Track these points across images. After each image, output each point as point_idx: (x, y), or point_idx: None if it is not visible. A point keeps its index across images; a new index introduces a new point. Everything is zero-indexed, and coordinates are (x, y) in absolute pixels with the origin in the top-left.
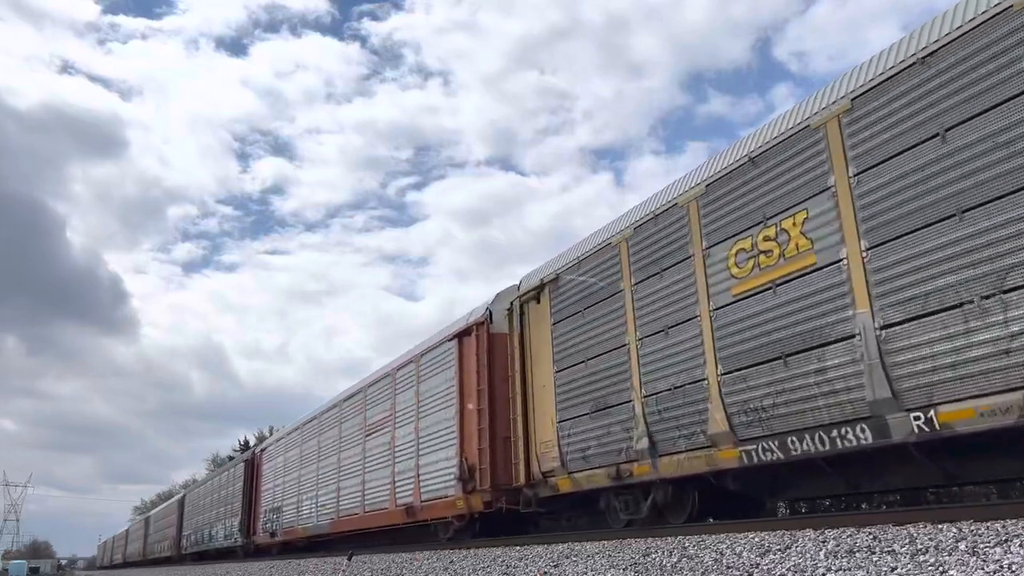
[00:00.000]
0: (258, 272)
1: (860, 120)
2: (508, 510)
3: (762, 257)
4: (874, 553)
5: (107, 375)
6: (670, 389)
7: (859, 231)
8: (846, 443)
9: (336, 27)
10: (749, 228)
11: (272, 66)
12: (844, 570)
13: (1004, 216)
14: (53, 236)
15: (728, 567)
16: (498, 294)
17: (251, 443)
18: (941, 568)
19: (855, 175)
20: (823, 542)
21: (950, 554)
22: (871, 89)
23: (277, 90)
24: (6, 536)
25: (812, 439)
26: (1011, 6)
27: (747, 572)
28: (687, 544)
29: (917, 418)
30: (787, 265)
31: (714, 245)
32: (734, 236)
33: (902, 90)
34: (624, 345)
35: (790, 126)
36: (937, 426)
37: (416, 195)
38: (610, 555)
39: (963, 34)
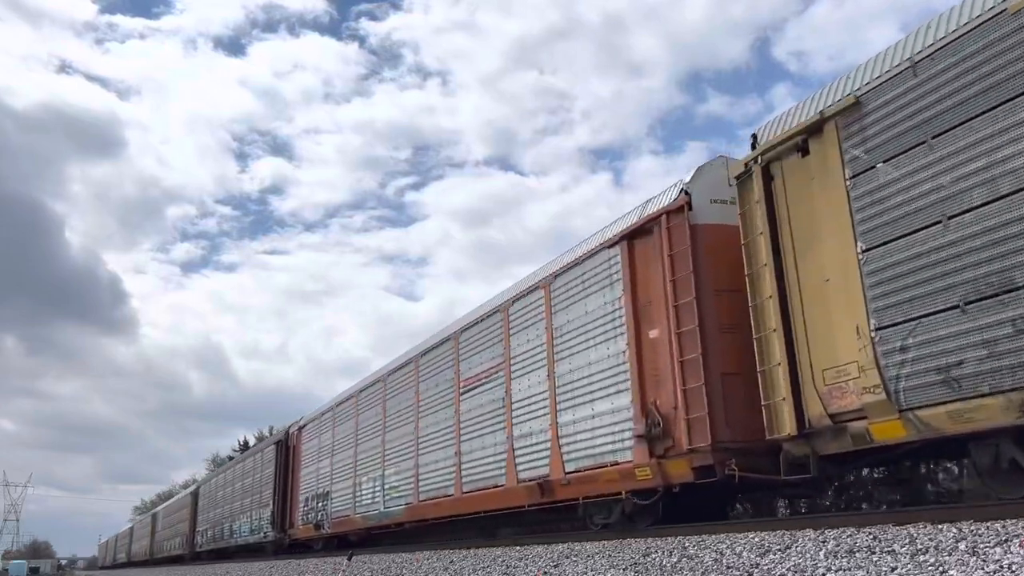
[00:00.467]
0: (257, 272)
1: None
2: (741, 479)
3: None
4: (874, 553)
5: (107, 375)
6: None
7: None
8: None
9: (334, 27)
10: None
11: (270, 66)
12: (844, 570)
13: None
14: (52, 236)
15: (728, 567)
16: (699, 168)
17: (251, 443)
18: (941, 568)
19: None
20: (823, 542)
21: (950, 554)
22: None
23: (275, 90)
24: (6, 536)
25: None
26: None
27: (747, 572)
28: (687, 544)
29: None
30: None
31: None
32: None
33: None
34: None
35: None
36: None
37: (415, 195)
38: (610, 555)
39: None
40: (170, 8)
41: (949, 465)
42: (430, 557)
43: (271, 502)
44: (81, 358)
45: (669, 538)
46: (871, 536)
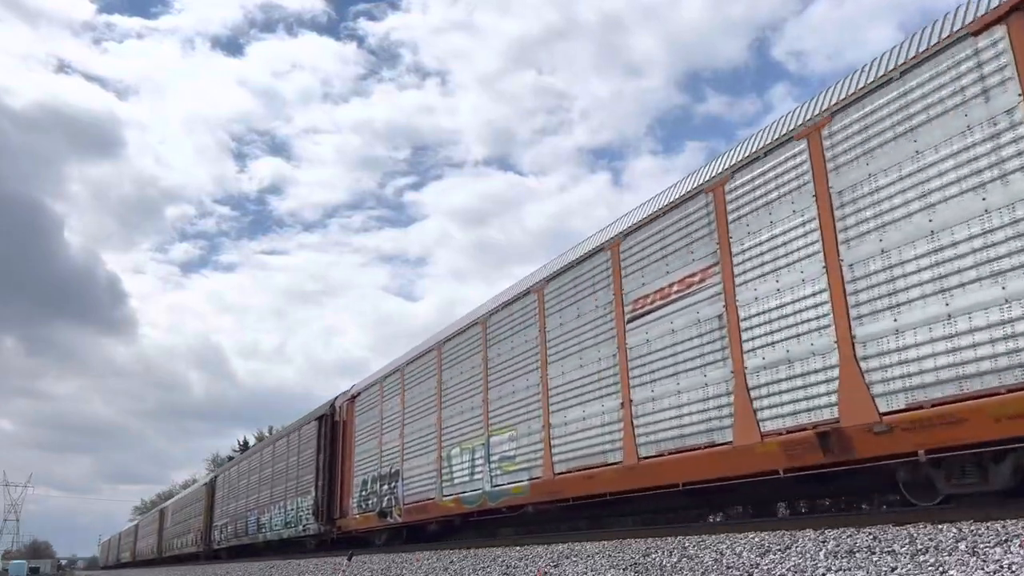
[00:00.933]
0: (256, 272)
1: None
2: None
3: None
4: (874, 553)
5: (106, 375)
6: None
7: None
8: None
9: (333, 27)
10: None
11: (269, 66)
12: (844, 570)
13: None
14: (51, 236)
15: (728, 567)
16: None
17: (250, 443)
18: (941, 568)
19: None
20: (823, 542)
21: (950, 554)
22: None
23: (274, 90)
24: (6, 536)
25: None
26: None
27: (747, 572)
28: (687, 544)
29: None
30: None
31: None
32: None
33: None
34: None
35: None
36: None
37: (414, 195)
38: (610, 555)
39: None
40: (168, 8)
41: None
42: (430, 557)
43: (313, 489)
44: (80, 358)
45: (669, 538)
46: (871, 536)
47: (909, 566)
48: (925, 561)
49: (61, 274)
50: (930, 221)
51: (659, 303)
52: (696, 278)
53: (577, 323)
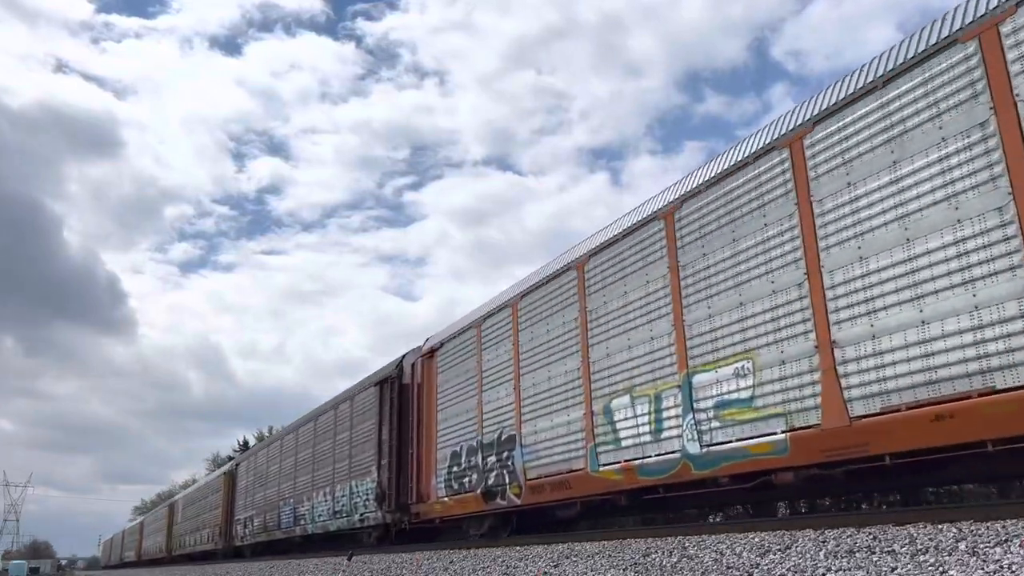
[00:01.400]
0: (255, 272)
1: None
2: None
3: None
4: (874, 553)
5: (106, 375)
6: None
7: None
8: None
9: (331, 27)
10: None
11: (267, 66)
12: (844, 570)
13: None
14: (51, 236)
15: (728, 567)
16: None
17: (251, 443)
18: (941, 568)
19: None
20: (823, 542)
21: (950, 554)
22: None
23: (272, 90)
24: (6, 536)
25: None
26: None
27: (747, 572)
28: (687, 544)
29: None
30: None
31: None
32: None
33: None
34: None
35: None
36: None
37: (413, 195)
38: (610, 555)
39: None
40: (166, 8)
41: None
42: (430, 557)
43: (375, 469)
44: (80, 358)
45: (669, 538)
46: (871, 536)
47: (909, 566)
48: (925, 561)
49: (60, 274)
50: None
51: None
52: None
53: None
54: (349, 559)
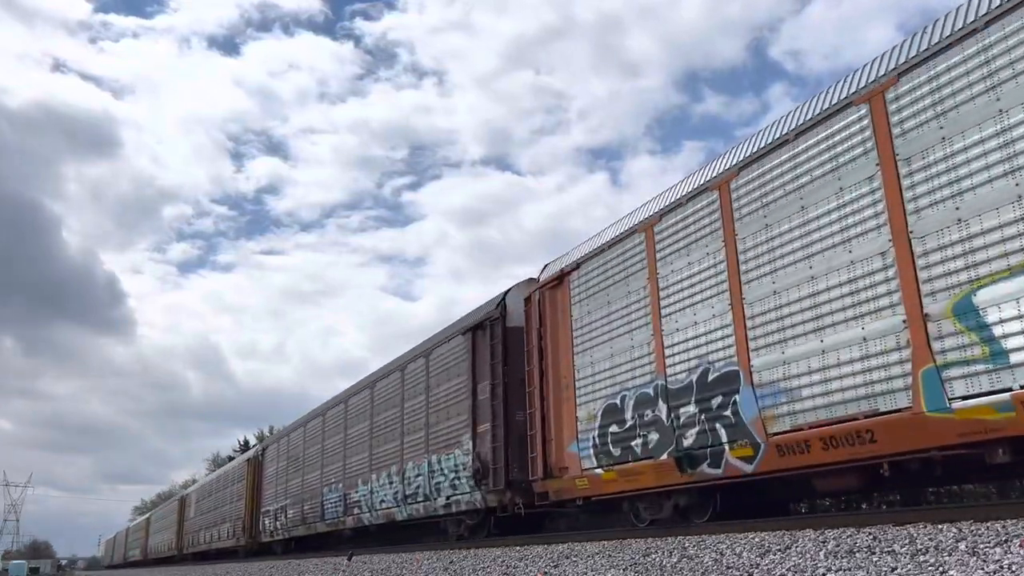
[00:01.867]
0: (253, 272)
1: None
2: None
3: None
4: (874, 553)
5: (105, 375)
6: None
7: None
8: None
9: (329, 26)
10: None
11: (265, 65)
12: (844, 570)
13: None
14: (49, 236)
15: (728, 567)
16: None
17: (251, 443)
18: (941, 568)
19: None
20: (823, 542)
21: (950, 554)
22: None
23: (270, 89)
24: (6, 536)
25: None
26: None
27: (747, 572)
28: (687, 544)
29: None
30: None
31: None
32: None
33: None
34: None
35: None
36: None
37: (412, 195)
38: (610, 555)
39: None
40: (163, 7)
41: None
42: (430, 557)
43: (469, 439)
44: (79, 358)
45: (669, 538)
46: (871, 536)
47: (909, 566)
48: (925, 561)
49: (59, 274)
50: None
51: None
52: None
53: None
54: (349, 559)
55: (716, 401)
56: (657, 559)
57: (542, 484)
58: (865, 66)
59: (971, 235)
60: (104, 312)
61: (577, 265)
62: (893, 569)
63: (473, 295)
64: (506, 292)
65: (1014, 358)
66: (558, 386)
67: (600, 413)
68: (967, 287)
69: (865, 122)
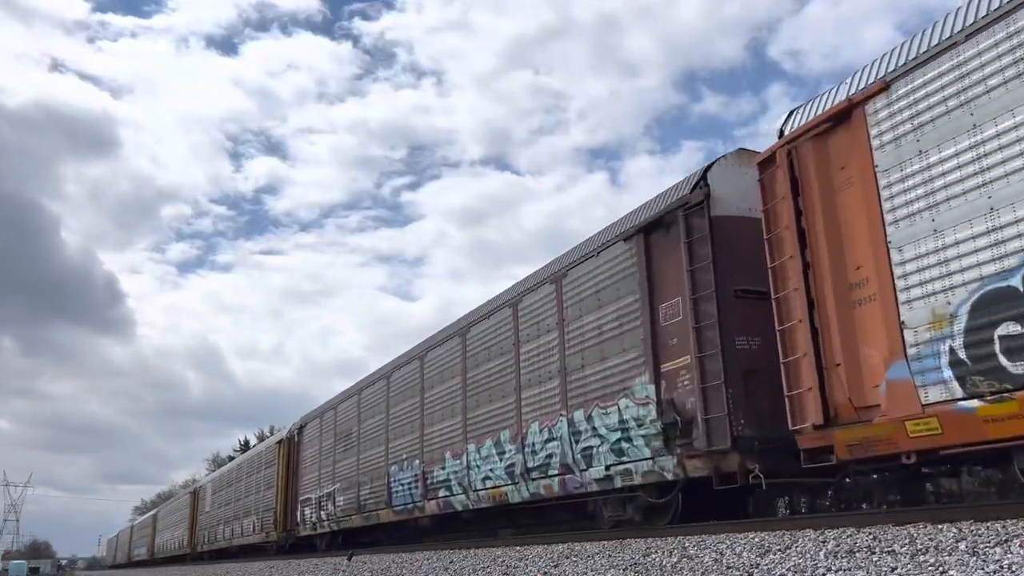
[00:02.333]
0: (253, 272)
1: None
2: None
3: None
4: (874, 553)
5: (104, 375)
6: None
7: None
8: None
9: (327, 26)
10: None
11: (263, 65)
12: (844, 570)
13: None
14: (48, 236)
15: (728, 567)
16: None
17: (251, 443)
18: (941, 568)
19: None
20: (823, 542)
21: (950, 554)
22: None
23: (268, 89)
24: (6, 536)
25: None
26: None
27: (747, 572)
28: (687, 544)
29: None
30: None
31: None
32: None
33: None
34: None
35: None
36: None
37: (411, 195)
38: (610, 555)
39: None
40: (161, 7)
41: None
42: (430, 557)
43: (644, 380)
44: (78, 358)
45: (669, 538)
46: (871, 536)
47: (909, 566)
48: (925, 561)
49: (58, 274)
50: None
51: None
52: None
53: None
54: (349, 559)
55: None
56: (657, 559)
57: (821, 435)
58: None
59: None
60: (103, 312)
61: (887, 84)
62: (893, 569)
63: (473, 295)
64: (707, 168)
65: None
66: (841, 283)
67: (966, 308)
68: None
69: None
